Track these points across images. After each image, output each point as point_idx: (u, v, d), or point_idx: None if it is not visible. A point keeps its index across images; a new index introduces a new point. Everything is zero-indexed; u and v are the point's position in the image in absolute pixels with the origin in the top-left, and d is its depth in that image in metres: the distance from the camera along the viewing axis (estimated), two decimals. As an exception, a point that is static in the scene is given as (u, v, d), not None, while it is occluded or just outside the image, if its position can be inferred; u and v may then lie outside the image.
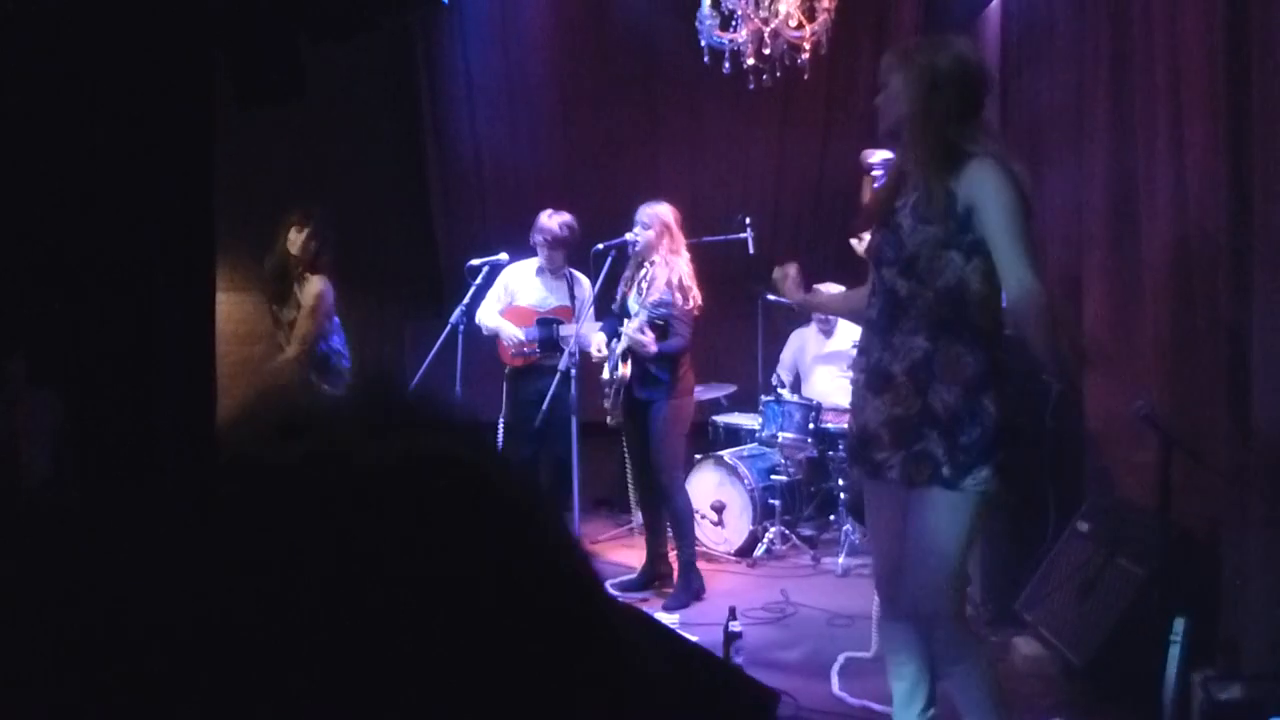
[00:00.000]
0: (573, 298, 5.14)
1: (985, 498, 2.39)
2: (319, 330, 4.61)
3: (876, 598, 2.75)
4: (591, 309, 4.96)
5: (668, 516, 4.82)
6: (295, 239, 4.63)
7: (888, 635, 2.73)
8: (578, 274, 5.19)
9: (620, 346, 4.69)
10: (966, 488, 2.37)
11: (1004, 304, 2.48)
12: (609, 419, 4.94)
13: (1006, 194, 2.35)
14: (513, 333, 5.10)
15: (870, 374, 2.52)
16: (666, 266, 4.57)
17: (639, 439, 4.79)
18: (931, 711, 2.64)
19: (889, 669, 2.74)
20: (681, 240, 4.68)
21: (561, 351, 4.77)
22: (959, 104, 2.41)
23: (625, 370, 4.66)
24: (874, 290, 2.55)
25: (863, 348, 2.61)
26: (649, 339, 4.49)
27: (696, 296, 4.63)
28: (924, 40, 2.50)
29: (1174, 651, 2.93)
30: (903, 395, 2.42)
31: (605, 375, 4.82)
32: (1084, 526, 3.83)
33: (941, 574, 2.39)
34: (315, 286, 4.60)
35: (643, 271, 4.69)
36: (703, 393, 5.81)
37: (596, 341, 4.83)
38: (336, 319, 4.77)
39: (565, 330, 4.98)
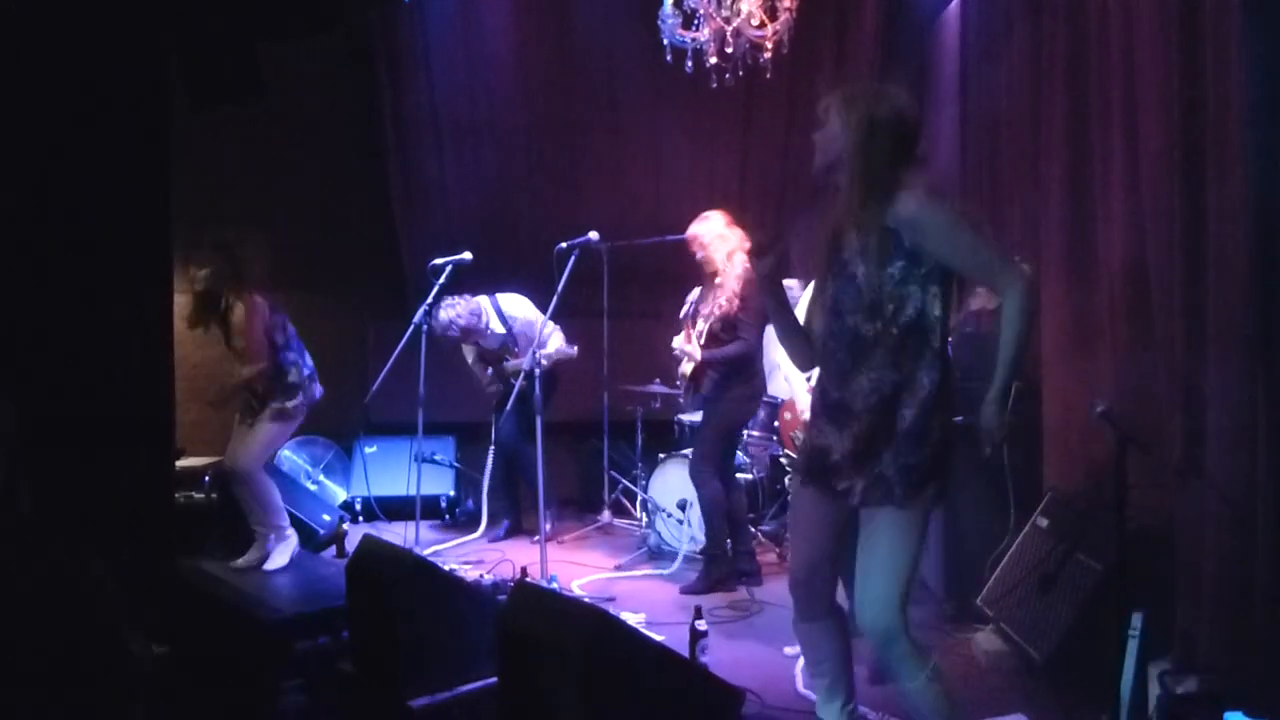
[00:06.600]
0: (507, 328, 5.67)
1: (926, 514, 2.50)
2: (262, 347, 4.56)
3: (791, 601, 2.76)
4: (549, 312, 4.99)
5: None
6: (196, 276, 4.60)
7: (805, 636, 2.77)
8: (500, 303, 5.71)
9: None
10: (914, 506, 2.46)
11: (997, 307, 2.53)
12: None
13: (942, 214, 2.43)
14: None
15: (831, 409, 2.56)
16: (728, 275, 4.74)
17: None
18: (852, 705, 2.74)
19: (808, 668, 2.84)
20: (736, 240, 4.78)
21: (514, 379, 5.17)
22: (893, 151, 2.47)
23: (685, 369, 4.89)
24: (831, 334, 2.57)
25: (820, 387, 2.63)
26: (692, 350, 4.78)
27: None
28: (865, 87, 2.59)
29: (1132, 645, 2.97)
30: (863, 429, 2.48)
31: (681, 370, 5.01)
32: (1043, 522, 3.88)
33: (896, 590, 2.45)
34: (239, 312, 4.57)
35: (717, 280, 4.81)
36: (669, 391, 5.83)
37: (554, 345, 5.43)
38: (292, 328, 4.70)
39: (511, 363, 5.54)
